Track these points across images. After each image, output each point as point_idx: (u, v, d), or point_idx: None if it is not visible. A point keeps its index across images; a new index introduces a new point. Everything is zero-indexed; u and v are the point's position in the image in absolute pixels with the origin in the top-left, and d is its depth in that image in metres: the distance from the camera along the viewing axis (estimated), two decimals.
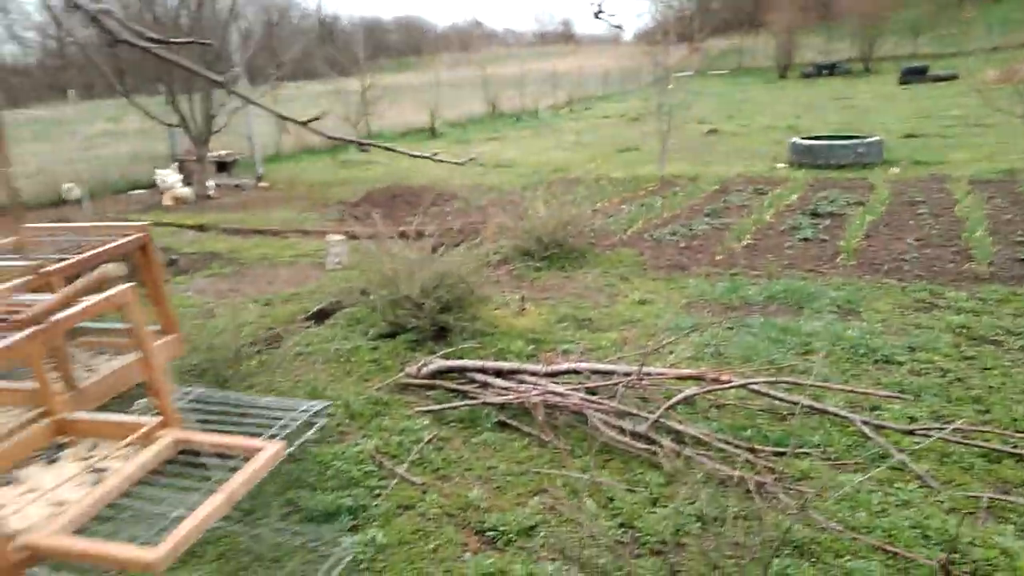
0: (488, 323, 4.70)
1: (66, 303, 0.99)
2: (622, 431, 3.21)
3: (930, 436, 3.09)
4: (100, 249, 1.16)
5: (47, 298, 1.01)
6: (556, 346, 4.34)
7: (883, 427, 3.18)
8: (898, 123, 13.99)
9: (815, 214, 7.25)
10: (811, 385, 3.41)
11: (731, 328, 4.47)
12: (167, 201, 10.20)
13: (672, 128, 10.37)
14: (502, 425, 3.46)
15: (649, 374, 3.50)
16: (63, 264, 1.12)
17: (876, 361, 3.96)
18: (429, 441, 3.36)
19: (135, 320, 1.01)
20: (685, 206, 8.04)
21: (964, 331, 4.29)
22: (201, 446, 1.05)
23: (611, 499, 2.83)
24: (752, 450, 3.05)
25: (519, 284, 5.64)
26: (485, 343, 4.41)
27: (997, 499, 2.70)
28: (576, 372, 3.70)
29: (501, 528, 2.72)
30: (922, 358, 3.96)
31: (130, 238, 1.20)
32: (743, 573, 2.12)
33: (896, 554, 2.43)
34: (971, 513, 2.63)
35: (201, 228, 8.59)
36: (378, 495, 2.96)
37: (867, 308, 4.76)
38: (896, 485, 2.83)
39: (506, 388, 3.65)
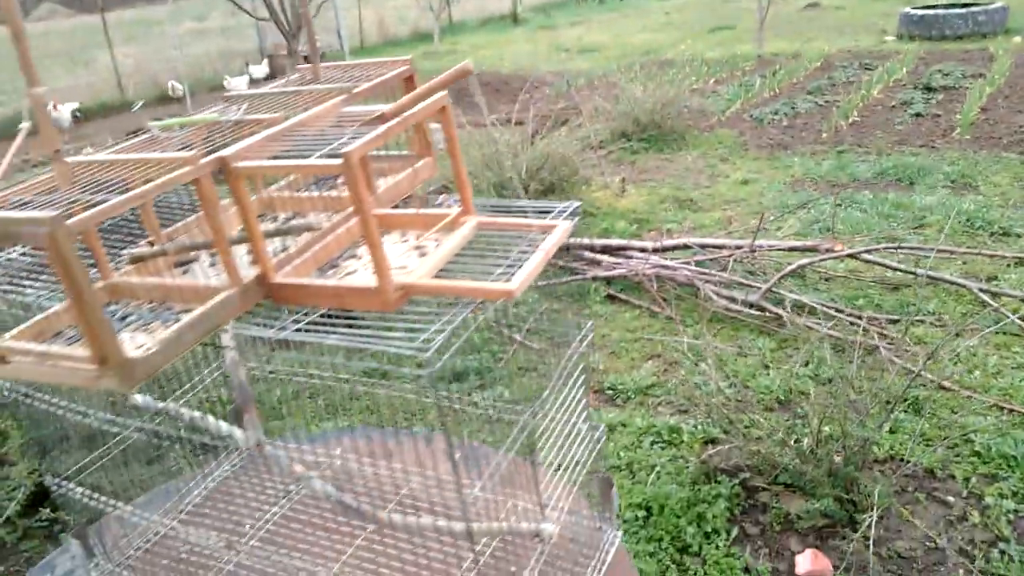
0: (590, 204, 4.78)
1: (402, 109, 1.16)
2: (733, 300, 3.30)
3: None
4: (390, 73, 1.34)
5: (383, 107, 1.18)
6: (660, 226, 4.41)
7: (1001, 294, 3.17)
8: None
9: (928, 88, 6.87)
10: (933, 249, 3.40)
11: (840, 204, 4.41)
12: None
13: (769, 3, 9.82)
14: (611, 299, 3.61)
15: (760, 247, 3.55)
16: (371, 84, 1.29)
17: (993, 233, 3.87)
18: (542, 313, 3.54)
19: (450, 122, 1.18)
20: (786, 84, 7.74)
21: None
22: (502, 227, 1.24)
23: (723, 362, 2.96)
24: (866, 318, 3.10)
25: (618, 166, 5.66)
26: (589, 224, 4.51)
27: None
28: (686, 247, 3.78)
29: (620, 387, 2.90)
30: None
31: (399, 69, 1.34)
32: (862, 426, 2.23)
33: (1012, 411, 2.49)
34: None
35: None
36: (500, 359, 3.18)
37: (984, 182, 4.60)
38: (1014, 349, 2.85)
39: (615, 263, 3.77)
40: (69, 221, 0.81)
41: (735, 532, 2.11)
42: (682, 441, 2.53)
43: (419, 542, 1.48)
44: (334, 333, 1.10)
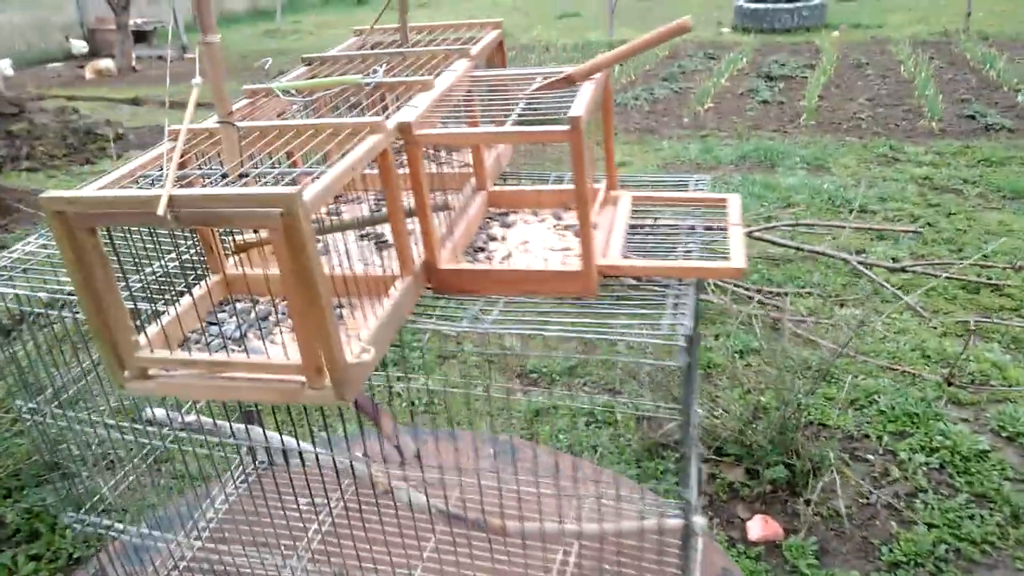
0: None
1: (596, 69, 1.06)
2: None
3: (917, 271, 3.40)
4: (490, 35, 1.22)
5: (565, 68, 1.08)
6: None
7: (874, 264, 3.47)
8: None
9: (769, 77, 7.39)
10: (846, 225, 3.65)
11: (713, 186, 4.64)
12: (89, 74, 9.50)
13: None
14: None
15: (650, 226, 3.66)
16: (483, 45, 1.18)
17: (852, 210, 4.23)
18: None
19: (608, 85, 1.09)
20: (640, 72, 8.05)
21: (927, 182, 4.60)
22: (664, 202, 1.17)
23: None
24: (759, 291, 3.29)
25: None
26: None
27: (980, 322, 3.02)
28: None
29: (543, 370, 2.90)
30: (893, 207, 4.25)
31: (493, 32, 1.21)
32: (800, 393, 2.36)
33: (904, 372, 2.73)
34: (963, 335, 2.95)
35: (135, 102, 8.11)
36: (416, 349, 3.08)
37: (835, 163, 5.01)
38: (892, 316, 3.13)
39: None
40: (307, 197, 0.65)
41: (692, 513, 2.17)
42: (616, 420, 2.56)
43: (518, 549, 1.38)
44: (540, 324, 0.98)
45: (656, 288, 1.09)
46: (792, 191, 4.50)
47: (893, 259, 3.59)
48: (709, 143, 5.55)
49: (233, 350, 0.84)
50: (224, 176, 0.78)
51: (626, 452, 2.37)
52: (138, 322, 0.86)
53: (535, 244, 1.11)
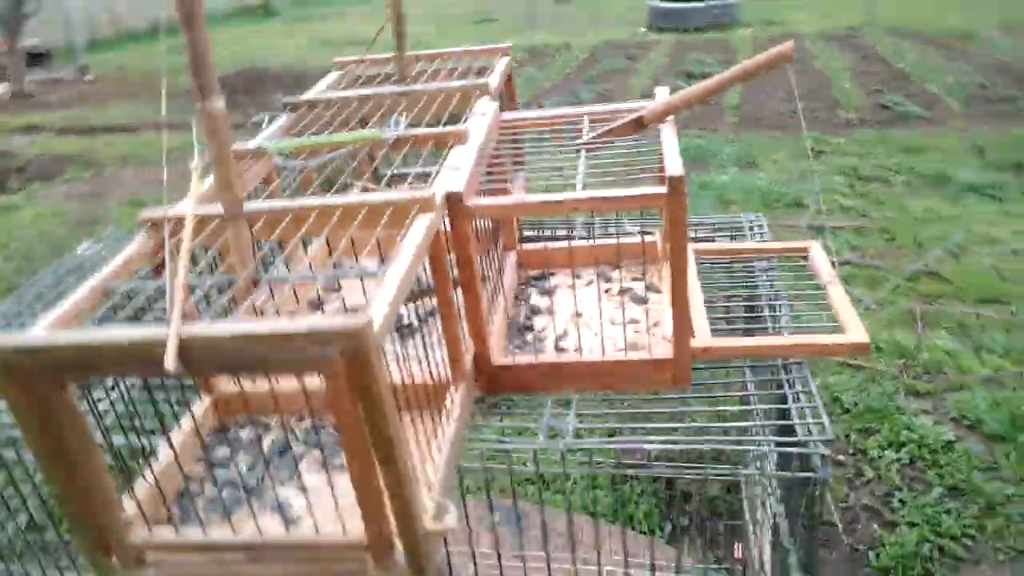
0: None
1: (674, 109, 0.92)
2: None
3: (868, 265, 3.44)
4: (502, 63, 1.07)
5: (634, 104, 0.95)
6: None
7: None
8: None
9: (690, 75, 7.47)
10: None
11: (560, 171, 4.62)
12: None
13: None
14: None
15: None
16: (500, 79, 1.03)
17: (788, 205, 4.27)
18: None
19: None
20: (562, 74, 8.03)
21: (853, 172, 4.69)
22: (731, 254, 1.04)
23: None
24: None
25: None
26: None
27: (925, 309, 3.06)
28: None
29: None
30: (825, 199, 4.31)
31: (504, 60, 1.07)
32: None
33: (860, 366, 2.74)
34: (912, 325, 2.98)
35: (32, 130, 7.62)
36: None
37: (764, 159, 5.07)
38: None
39: None
40: (376, 326, 0.48)
41: (668, 528, 2.09)
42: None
43: None
44: (634, 430, 0.84)
45: (757, 368, 0.98)
46: (725, 189, 4.52)
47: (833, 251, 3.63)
48: None
49: (256, 510, 0.66)
50: (228, 287, 0.60)
51: (598, 476, 2.28)
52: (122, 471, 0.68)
53: (591, 317, 0.94)
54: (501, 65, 1.08)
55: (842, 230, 3.85)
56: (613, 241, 1.09)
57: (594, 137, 0.92)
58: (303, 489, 0.65)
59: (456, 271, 0.77)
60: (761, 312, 1.10)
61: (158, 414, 0.63)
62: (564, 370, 0.84)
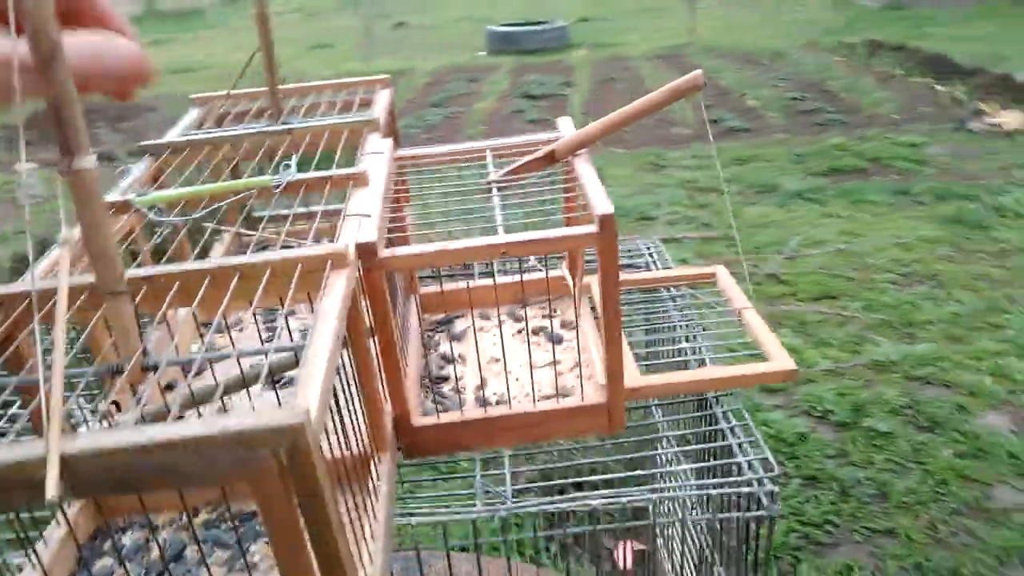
0: None
1: (584, 143, 0.85)
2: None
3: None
4: (385, 96, 0.95)
5: (540, 137, 0.85)
6: None
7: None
8: (572, 7, 15.05)
9: (531, 96, 7.66)
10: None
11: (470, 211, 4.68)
12: None
13: (372, 22, 10.08)
14: None
15: None
16: (385, 113, 0.90)
17: (637, 219, 4.45)
18: None
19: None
20: (406, 99, 8.00)
21: (692, 184, 4.97)
22: (629, 285, 0.95)
23: None
24: None
25: None
26: None
27: (770, 310, 3.27)
28: None
29: None
30: (669, 211, 4.53)
31: (386, 91, 0.95)
32: None
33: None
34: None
35: None
36: None
37: (610, 174, 5.27)
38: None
39: None
40: (314, 415, 0.39)
41: (554, 547, 2.09)
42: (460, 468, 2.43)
43: None
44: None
45: (682, 402, 0.96)
46: (531, 204, 4.65)
47: (683, 261, 3.81)
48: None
49: None
50: (115, 374, 0.51)
51: None
52: None
53: (509, 362, 0.89)
54: (384, 98, 1.02)
55: (692, 240, 4.06)
56: (516, 278, 1.05)
57: (505, 174, 0.89)
58: None
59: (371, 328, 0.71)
60: (679, 344, 1.10)
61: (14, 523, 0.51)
62: (494, 425, 0.80)
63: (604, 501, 0.89)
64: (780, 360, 0.94)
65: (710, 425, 1.08)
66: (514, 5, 16.98)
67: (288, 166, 0.76)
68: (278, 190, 0.74)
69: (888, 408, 2.63)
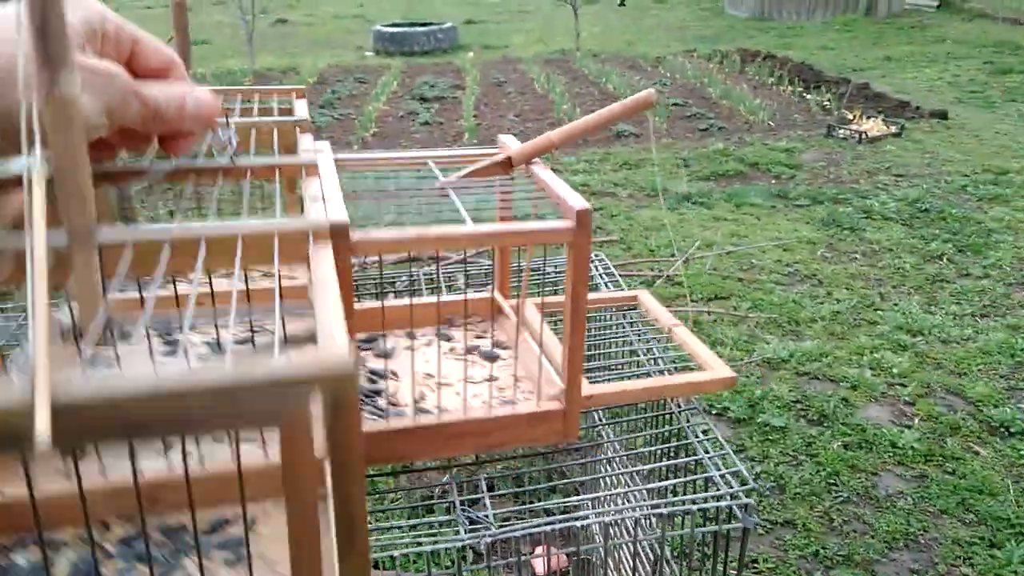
0: None
1: (539, 151, 0.78)
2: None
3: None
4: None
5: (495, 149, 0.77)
6: None
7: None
8: (452, 10, 15.04)
9: (423, 99, 7.60)
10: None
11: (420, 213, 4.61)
12: None
13: (254, 17, 9.71)
14: None
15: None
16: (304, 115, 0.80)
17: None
18: None
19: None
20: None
21: (585, 188, 5.06)
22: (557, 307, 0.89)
23: None
24: None
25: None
26: None
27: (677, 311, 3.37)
28: None
29: None
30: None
31: (301, 102, 0.85)
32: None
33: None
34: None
35: None
36: None
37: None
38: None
39: None
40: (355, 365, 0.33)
41: (470, 556, 2.07)
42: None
43: None
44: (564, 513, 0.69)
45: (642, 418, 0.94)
46: (469, 209, 4.64)
47: None
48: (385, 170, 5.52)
49: None
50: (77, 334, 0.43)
51: (400, 514, 2.20)
52: None
53: (445, 377, 0.85)
54: (302, 107, 0.97)
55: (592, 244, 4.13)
56: (447, 299, 1.03)
57: (459, 178, 0.86)
58: None
59: None
60: (615, 360, 1.10)
61: None
62: (446, 432, 0.76)
63: (592, 520, 0.88)
64: (720, 369, 0.97)
65: (679, 440, 1.09)
66: (391, 4, 16.81)
67: (227, 124, 0.68)
68: (230, 149, 0.67)
69: (780, 403, 2.77)
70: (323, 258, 0.53)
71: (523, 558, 1.41)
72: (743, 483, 0.99)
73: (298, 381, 0.32)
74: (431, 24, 10.79)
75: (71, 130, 0.40)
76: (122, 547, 0.61)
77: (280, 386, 0.32)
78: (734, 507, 0.92)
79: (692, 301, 3.51)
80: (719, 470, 0.99)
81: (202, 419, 0.32)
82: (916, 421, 2.68)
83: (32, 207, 0.39)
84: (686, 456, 1.04)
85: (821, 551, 2.16)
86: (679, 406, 1.16)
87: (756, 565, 2.16)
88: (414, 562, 1.95)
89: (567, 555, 1.98)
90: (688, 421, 1.10)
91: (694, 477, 0.98)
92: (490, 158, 0.86)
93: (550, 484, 2.17)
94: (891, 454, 2.51)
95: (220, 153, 0.69)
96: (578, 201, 0.75)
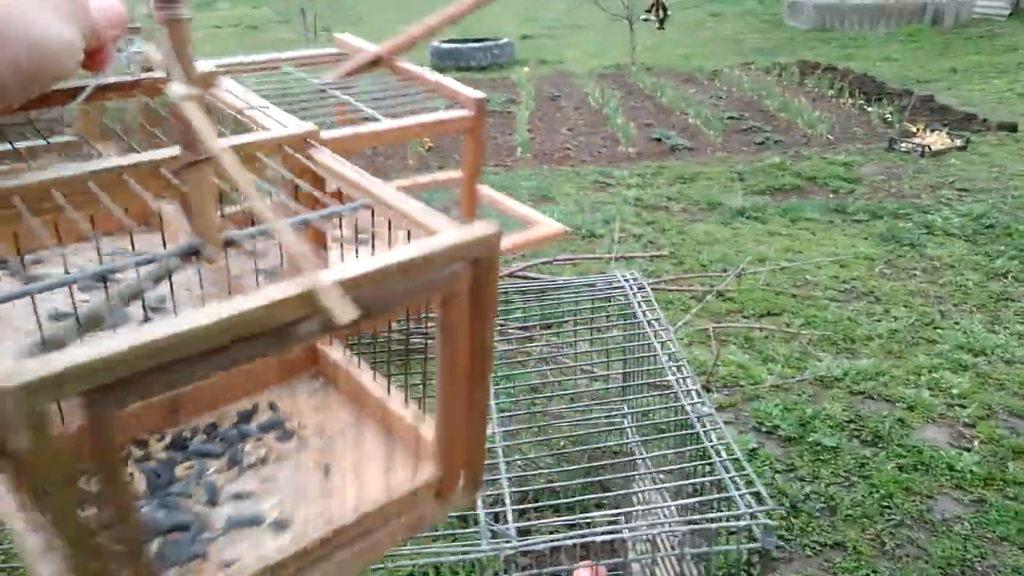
0: None
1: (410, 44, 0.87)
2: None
3: (659, 287, 3.68)
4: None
5: (368, 46, 0.89)
6: None
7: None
8: (510, 26, 15.18)
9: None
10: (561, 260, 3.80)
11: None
12: None
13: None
14: None
15: None
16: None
17: (584, 236, 4.50)
18: None
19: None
20: None
21: (639, 202, 5.05)
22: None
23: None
24: (538, 327, 3.33)
25: None
26: None
27: (717, 327, 3.35)
28: None
29: None
30: (617, 228, 4.60)
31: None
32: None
33: (665, 385, 2.92)
34: (705, 343, 3.24)
35: None
36: None
37: (558, 192, 5.32)
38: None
39: None
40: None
41: (514, 570, 2.08)
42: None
43: None
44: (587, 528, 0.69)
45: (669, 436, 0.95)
46: (527, 222, 4.68)
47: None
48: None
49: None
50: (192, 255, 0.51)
51: (438, 527, 2.23)
52: None
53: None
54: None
55: (642, 258, 4.12)
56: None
57: (340, 77, 0.89)
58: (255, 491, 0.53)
59: None
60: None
61: None
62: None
63: (609, 536, 0.89)
64: (548, 223, 1.01)
65: (702, 459, 1.09)
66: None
67: (132, 41, 0.68)
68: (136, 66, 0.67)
69: (833, 423, 2.71)
70: (333, 160, 0.58)
71: (558, 569, 1.42)
72: (761, 503, 0.98)
73: (460, 251, 0.42)
74: (487, 40, 10.91)
75: (186, 51, 0.46)
76: (173, 453, 0.62)
77: (451, 256, 0.42)
78: (753, 527, 0.91)
79: (744, 317, 3.46)
80: (738, 489, 0.99)
81: (404, 292, 0.41)
82: (976, 444, 2.59)
83: (201, 122, 0.45)
84: (711, 475, 1.04)
85: (872, 575, 2.11)
86: (704, 425, 1.16)
87: None
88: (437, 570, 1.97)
89: (608, 569, 1.97)
90: (711, 441, 1.10)
91: (715, 496, 0.98)
92: (362, 55, 0.89)
93: (588, 497, 2.17)
94: (948, 477, 2.43)
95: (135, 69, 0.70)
96: (475, 92, 0.80)
